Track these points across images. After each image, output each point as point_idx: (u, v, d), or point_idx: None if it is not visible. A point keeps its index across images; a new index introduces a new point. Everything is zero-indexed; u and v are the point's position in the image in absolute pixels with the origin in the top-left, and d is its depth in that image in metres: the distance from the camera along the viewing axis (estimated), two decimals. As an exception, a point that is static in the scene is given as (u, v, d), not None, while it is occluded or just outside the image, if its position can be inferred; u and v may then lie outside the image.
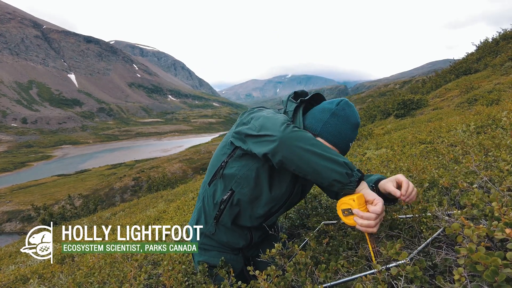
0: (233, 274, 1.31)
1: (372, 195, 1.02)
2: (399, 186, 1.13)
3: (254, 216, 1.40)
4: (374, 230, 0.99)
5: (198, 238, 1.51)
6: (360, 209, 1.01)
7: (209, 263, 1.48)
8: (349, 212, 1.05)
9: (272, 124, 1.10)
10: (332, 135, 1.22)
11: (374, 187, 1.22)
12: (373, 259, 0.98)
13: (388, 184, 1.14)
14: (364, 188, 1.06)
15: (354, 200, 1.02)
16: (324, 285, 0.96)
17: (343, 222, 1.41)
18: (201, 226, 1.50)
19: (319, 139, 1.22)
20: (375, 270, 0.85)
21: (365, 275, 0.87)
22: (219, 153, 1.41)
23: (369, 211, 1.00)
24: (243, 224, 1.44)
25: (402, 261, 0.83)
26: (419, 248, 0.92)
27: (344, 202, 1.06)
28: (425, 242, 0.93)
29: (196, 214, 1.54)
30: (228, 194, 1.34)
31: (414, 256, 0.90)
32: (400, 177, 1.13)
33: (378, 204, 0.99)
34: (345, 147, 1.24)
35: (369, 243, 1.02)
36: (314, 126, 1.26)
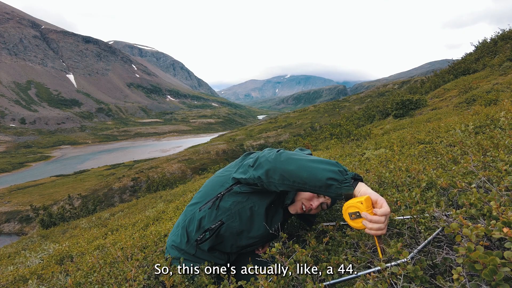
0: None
1: (375, 196, 1.02)
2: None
3: (235, 245, 1.51)
4: (384, 231, 0.98)
5: (178, 254, 1.58)
6: (368, 212, 0.99)
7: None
8: (356, 215, 1.02)
9: (267, 152, 1.26)
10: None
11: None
12: (380, 255, 0.98)
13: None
14: (367, 189, 1.06)
15: (362, 203, 1.00)
16: (325, 283, 0.96)
17: (347, 225, 1.42)
18: (182, 244, 1.56)
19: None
20: (377, 268, 0.86)
21: (368, 273, 0.87)
22: (217, 184, 1.51)
23: (374, 214, 0.99)
24: (223, 250, 1.54)
25: (403, 260, 0.84)
26: (419, 247, 0.92)
27: (352, 205, 1.04)
28: (425, 241, 0.94)
29: (180, 231, 1.59)
30: (217, 224, 1.44)
31: (415, 255, 0.90)
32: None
33: (384, 205, 0.99)
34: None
35: (376, 242, 1.01)
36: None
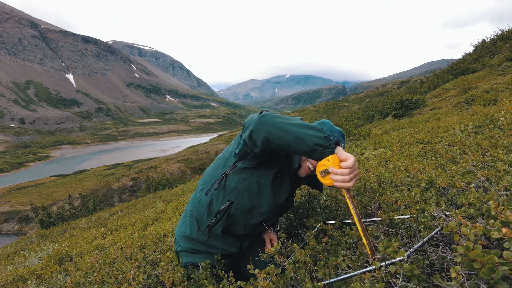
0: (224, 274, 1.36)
1: (344, 154, 1.10)
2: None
3: (248, 225, 1.47)
4: (350, 184, 1.05)
5: (188, 244, 1.55)
6: (335, 167, 1.08)
7: (194, 264, 1.53)
8: (326, 172, 1.12)
9: (252, 115, 1.24)
10: None
11: None
12: (369, 253, 1.00)
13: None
14: (340, 149, 1.13)
15: (329, 160, 1.10)
16: (324, 282, 0.96)
17: (347, 224, 1.46)
18: (192, 233, 1.54)
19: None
20: (374, 267, 0.86)
21: (364, 273, 0.87)
22: (220, 165, 1.49)
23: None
24: (235, 232, 1.50)
25: (399, 259, 0.84)
26: (416, 246, 0.92)
27: (322, 164, 1.14)
28: (422, 240, 0.94)
29: (189, 219, 1.57)
30: (227, 204, 1.40)
31: (411, 254, 0.90)
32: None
33: (349, 159, 1.07)
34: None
35: (346, 197, 1.09)
36: None
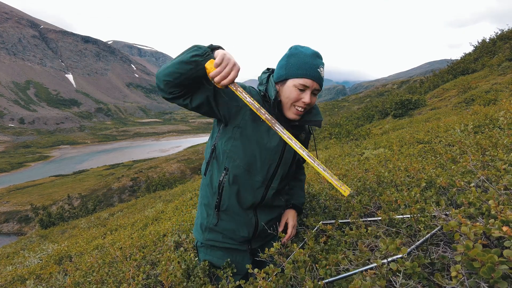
0: (240, 276, 1.32)
1: (215, 54, 1.15)
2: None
3: (255, 186, 1.38)
4: (230, 78, 1.12)
5: (202, 236, 1.49)
6: (211, 70, 1.13)
7: (213, 264, 1.47)
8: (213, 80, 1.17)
9: None
10: (297, 69, 1.28)
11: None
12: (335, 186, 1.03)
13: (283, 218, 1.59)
14: (220, 50, 1.17)
15: (207, 68, 1.14)
16: (325, 281, 0.96)
17: (347, 224, 1.51)
18: (203, 221, 1.47)
19: (289, 81, 1.30)
20: (375, 264, 0.86)
21: (365, 270, 0.87)
22: (208, 143, 1.48)
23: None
24: (246, 202, 1.39)
25: (400, 256, 0.84)
26: (417, 243, 0.92)
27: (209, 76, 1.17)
28: (423, 238, 0.94)
29: (199, 209, 1.54)
30: (224, 173, 1.36)
31: (413, 251, 0.90)
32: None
33: (217, 55, 1.13)
34: (314, 73, 1.28)
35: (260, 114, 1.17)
36: (279, 74, 1.34)
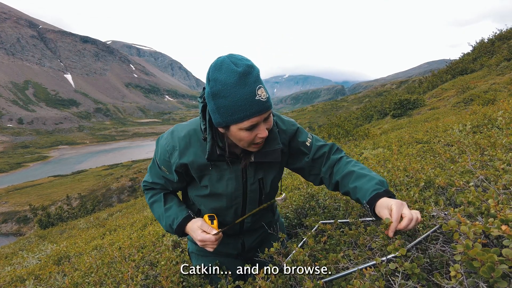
0: (232, 277, 1.31)
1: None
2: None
3: (229, 223, 1.36)
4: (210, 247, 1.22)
5: (193, 246, 1.53)
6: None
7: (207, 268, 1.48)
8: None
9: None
10: (233, 114, 0.99)
11: (367, 206, 1.07)
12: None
13: (384, 212, 0.97)
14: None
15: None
16: (324, 280, 0.96)
17: (346, 223, 1.50)
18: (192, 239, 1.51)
19: (232, 127, 1.03)
20: (374, 262, 0.86)
21: (365, 268, 0.87)
22: None
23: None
24: (227, 232, 1.40)
25: (397, 253, 0.84)
26: (415, 241, 0.92)
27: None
28: (421, 237, 0.94)
29: None
30: (197, 209, 1.43)
31: (410, 248, 0.90)
32: (405, 211, 0.92)
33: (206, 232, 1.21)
34: (257, 107, 0.98)
35: None
36: (217, 121, 1.06)
